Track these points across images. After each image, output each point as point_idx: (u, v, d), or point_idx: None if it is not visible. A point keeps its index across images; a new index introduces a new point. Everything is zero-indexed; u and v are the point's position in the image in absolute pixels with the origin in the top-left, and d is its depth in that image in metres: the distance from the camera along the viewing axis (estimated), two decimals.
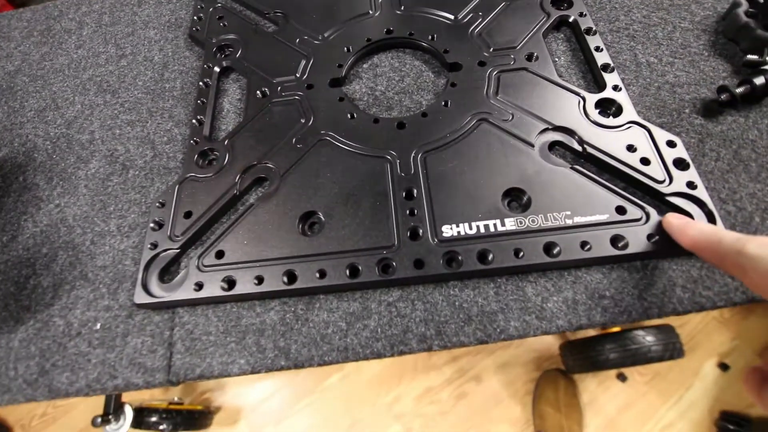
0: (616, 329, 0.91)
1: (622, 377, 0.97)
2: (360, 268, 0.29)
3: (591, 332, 0.97)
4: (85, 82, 0.44)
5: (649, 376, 0.97)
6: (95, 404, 1.01)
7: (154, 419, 0.89)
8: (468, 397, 1.01)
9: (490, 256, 0.28)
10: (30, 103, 0.43)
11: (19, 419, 1.08)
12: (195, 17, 0.45)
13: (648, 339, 0.86)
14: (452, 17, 0.40)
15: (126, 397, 0.86)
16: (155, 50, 0.45)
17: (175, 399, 1.00)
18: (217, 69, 0.40)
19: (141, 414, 0.87)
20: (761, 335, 0.99)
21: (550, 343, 1.05)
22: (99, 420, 0.82)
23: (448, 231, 0.29)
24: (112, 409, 0.84)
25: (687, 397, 0.95)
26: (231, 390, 1.07)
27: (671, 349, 0.86)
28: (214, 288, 0.29)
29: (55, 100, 0.43)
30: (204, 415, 0.98)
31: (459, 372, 1.04)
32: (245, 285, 0.29)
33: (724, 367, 0.96)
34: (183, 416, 0.92)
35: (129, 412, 0.85)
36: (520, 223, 0.29)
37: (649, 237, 0.28)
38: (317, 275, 0.29)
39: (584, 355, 0.91)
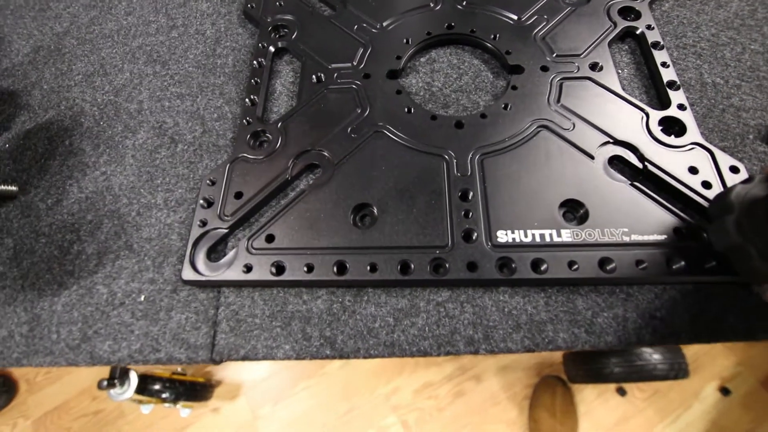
0: None
1: (621, 391, 0.98)
2: (412, 265, 0.28)
3: None
4: (134, 50, 0.43)
5: (649, 393, 0.98)
6: (100, 366, 1.03)
7: (157, 387, 0.90)
8: (466, 395, 1.02)
9: (544, 266, 0.28)
10: (78, 67, 0.43)
11: (24, 373, 1.10)
12: None
13: (654, 357, 0.86)
14: (515, 17, 0.39)
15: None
16: (207, 24, 0.44)
17: (179, 369, 1.01)
18: (272, 49, 0.40)
19: (145, 381, 0.88)
20: (766, 363, 0.99)
21: None
22: (105, 383, 0.82)
23: (503, 236, 0.29)
24: (118, 374, 0.85)
25: (685, 418, 0.96)
26: (232, 366, 1.09)
27: (677, 368, 0.86)
28: (263, 272, 0.29)
29: (103, 65, 0.43)
30: (205, 387, 0.99)
31: (460, 370, 1.05)
32: (295, 272, 0.29)
33: (725, 391, 0.96)
34: (185, 387, 0.94)
35: (134, 379, 0.86)
36: (577, 235, 0.29)
37: (705, 261, 0.27)
38: (368, 268, 0.28)
39: (588, 367, 0.92)
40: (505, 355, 1.06)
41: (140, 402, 0.89)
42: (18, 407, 1.06)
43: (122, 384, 0.85)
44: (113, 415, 1.04)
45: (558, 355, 1.03)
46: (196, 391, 0.96)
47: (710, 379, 0.99)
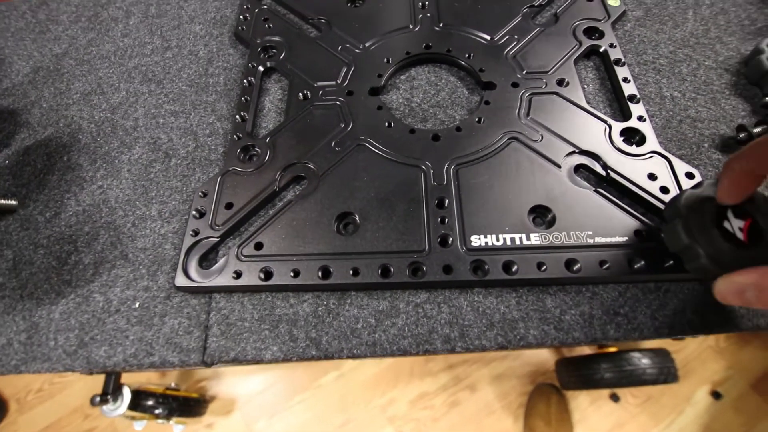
0: (612, 349, 0.93)
1: (614, 397, 0.99)
2: (391, 269, 0.30)
3: (587, 350, 0.99)
4: (130, 70, 0.46)
5: (642, 399, 0.99)
6: (92, 383, 1.02)
7: (150, 403, 0.90)
8: (461, 405, 1.02)
9: (515, 267, 0.30)
10: (76, 86, 0.45)
11: (14, 393, 1.09)
12: (241, 17, 0.47)
13: (643, 361, 0.88)
14: (488, 38, 0.42)
15: (124, 379, 0.87)
16: (200, 45, 0.47)
17: (172, 385, 1.01)
18: (261, 68, 0.42)
19: (138, 397, 0.88)
20: (756, 366, 1.01)
21: (545, 358, 1.06)
22: (98, 399, 0.82)
23: (477, 241, 0.31)
24: (111, 390, 0.84)
25: (678, 423, 0.97)
26: (226, 380, 1.09)
27: (666, 373, 0.87)
28: (251, 277, 0.31)
29: (100, 85, 0.45)
30: (199, 403, 0.99)
31: (454, 380, 1.05)
32: (282, 277, 0.31)
33: (716, 395, 0.97)
34: (179, 402, 0.93)
35: (127, 394, 0.86)
36: (545, 238, 0.31)
37: (664, 261, 0.29)
38: (351, 272, 0.30)
39: (579, 373, 0.93)
40: (499, 364, 1.07)
41: (133, 418, 0.89)
42: (8, 427, 1.05)
43: (115, 400, 0.85)
44: None
45: (551, 363, 1.04)
46: (189, 406, 0.96)
47: (701, 383, 1.00)
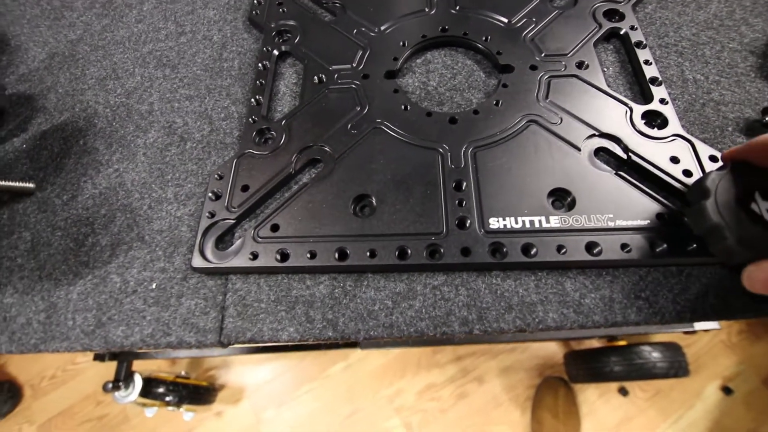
0: (622, 342, 0.92)
1: (623, 391, 0.98)
2: (409, 251, 0.30)
3: (596, 343, 0.98)
4: (145, 55, 0.46)
5: (651, 393, 0.98)
6: (105, 371, 1.04)
7: (161, 390, 0.91)
8: (469, 397, 1.03)
9: (534, 250, 0.29)
10: (91, 72, 0.45)
11: (29, 379, 1.11)
12: (255, 1, 0.46)
13: (654, 355, 0.87)
14: (506, 20, 0.42)
15: (135, 366, 0.88)
16: (214, 30, 0.46)
17: (182, 373, 1.02)
18: (275, 52, 0.42)
19: (149, 384, 0.89)
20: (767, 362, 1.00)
21: (554, 350, 1.06)
22: (110, 386, 0.84)
23: (495, 223, 0.31)
24: (123, 377, 0.86)
25: (687, 417, 0.96)
26: (235, 369, 1.10)
27: (676, 366, 0.86)
28: (268, 259, 0.31)
29: (115, 70, 0.45)
30: (209, 391, 1.00)
31: (462, 372, 1.05)
32: (298, 258, 0.31)
33: (727, 390, 0.96)
34: (189, 390, 0.94)
35: (138, 381, 0.87)
36: (564, 221, 0.30)
37: (687, 244, 0.29)
38: (368, 254, 0.30)
39: (589, 366, 0.92)
40: (507, 356, 1.07)
41: (144, 405, 0.91)
42: (23, 413, 1.07)
43: (127, 386, 0.86)
44: (117, 420, 1.05)
45: (559, 356, 1.04)
46: (199, 394, 0.97)
47: (712, 378, 0.99)
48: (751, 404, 0.96)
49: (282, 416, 1.04)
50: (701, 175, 0.32)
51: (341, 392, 1.05)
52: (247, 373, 1.09)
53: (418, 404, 1.03)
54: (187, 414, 0.97)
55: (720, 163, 0.32)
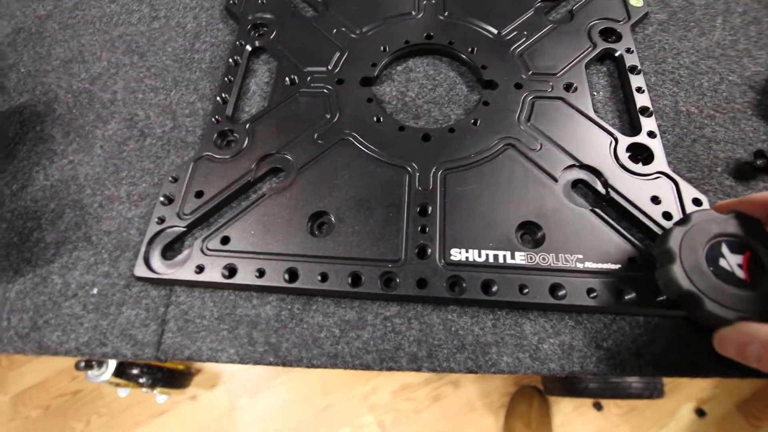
0: None
1: (598, 406, 0.98)
2: (362, 277, 0.28)
3: None
4: (114, 39, 0.43)
5: (626, 409, 0.98)
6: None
7: (135, 372, 0.90)
8: (444, 399, 1.02)
9: (494, 287, 0.28)
10: (57, 52, 0.43)
11: None
12: None
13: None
14: (495, 32, 0.39)
15: None
16: (189, 17, 0.44)
17: None
18: (248, 48, 0.39)
19: (123, 365, 0.89)
20: (743, 387, 0.99)
21: None
22: (82, 364, 0.83)
23: (457, 255, 0.29)
24: None
25: None
26: None
27: (652, 388, 0.86)
28: (214, 273, 0.29)
29: (82, 52, 0.42)
30: (184, 375, 1.00)
31: (438, 374, 1.05)
32: (246, 275, 0.29)
33: (700, 413, 0.96)
34: (163, 373, 0.94)
35: (112, 362, 0.86)
36: (531, 258, 0.28)
37: (656, 294, 0.27)
38: (319, 278, 0.28)
39: (565, 380, 0.92)
40: None
41: (117, 385, 0.90)
42: None
43: (100, 366, 0.85)
44: (91, 396, 1.05)
45: None
46: (174, 378, 0.97)
47: (687, 399, 0.99)
48: (724, 428, 0.96)
49: (256, 405, 1.04)
50: (682, 216, 0.30)
51: (317, 386, 1.05)
52: None
53: (393, 403, 1.03)
54: (160, 396, 0.97)
55: (706, 207, 0.30)
